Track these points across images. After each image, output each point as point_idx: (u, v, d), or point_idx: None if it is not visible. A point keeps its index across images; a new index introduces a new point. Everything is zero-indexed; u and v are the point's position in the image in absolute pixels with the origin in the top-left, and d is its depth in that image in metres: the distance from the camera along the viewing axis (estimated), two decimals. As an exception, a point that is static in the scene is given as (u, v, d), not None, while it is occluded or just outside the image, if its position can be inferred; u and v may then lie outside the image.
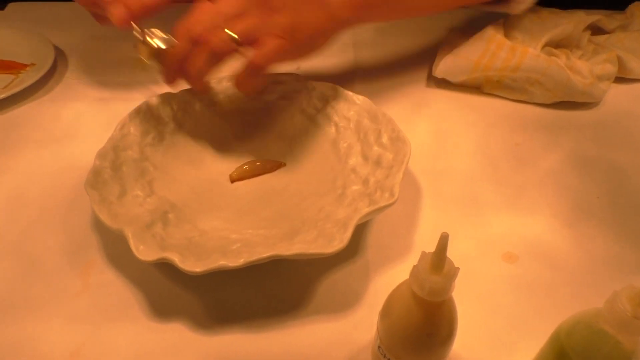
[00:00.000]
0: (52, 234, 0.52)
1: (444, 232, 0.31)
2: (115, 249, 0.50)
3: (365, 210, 0.45)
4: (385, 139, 0.54)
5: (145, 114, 0.56)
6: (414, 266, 0.33)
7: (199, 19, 0.50)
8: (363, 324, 0.44)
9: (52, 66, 0.71)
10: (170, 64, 0.53)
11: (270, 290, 0.47)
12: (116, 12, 0.53)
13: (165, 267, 0.43)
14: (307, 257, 0.42)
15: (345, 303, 0.46)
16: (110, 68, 0.74)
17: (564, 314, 0.44)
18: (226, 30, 0.49)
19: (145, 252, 0.42)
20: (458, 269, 0.32)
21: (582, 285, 0.47)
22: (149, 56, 0.55)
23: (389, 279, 0.48)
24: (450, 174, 0.58)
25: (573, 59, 0.65)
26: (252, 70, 0.52)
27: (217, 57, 0.50)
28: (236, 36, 0.49)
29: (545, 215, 0.54)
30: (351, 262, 0.49)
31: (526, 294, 0.47)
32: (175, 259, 0.41)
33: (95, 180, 0.49)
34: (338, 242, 0.42)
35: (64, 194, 0.56)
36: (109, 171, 0.50)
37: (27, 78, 0.68)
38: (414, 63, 0.75)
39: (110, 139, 0.53)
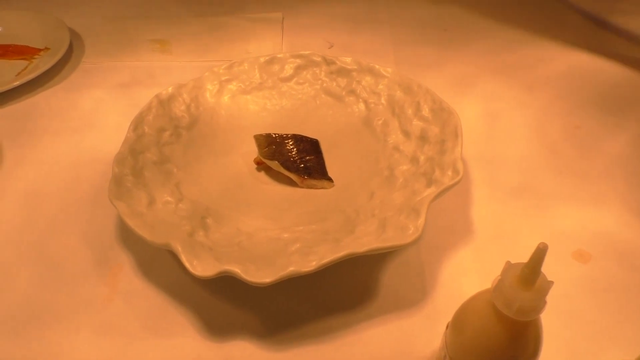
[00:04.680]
0: (74, 234, 0.47)
1: (541, 243, 0.26)
2: (143, 251, 0.46)
3: (432, 192, 0.41)
4: (426, 111, 0.50)
5: (158, 110, 0.51)
6: (498, 280, 0.28)
7: None
8: (423, 331, 0.40)
9: (67, 50, 0.66)
10: None
11: (314, 297, 0.42)
12: None
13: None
14: (381, 251, 0.38)
15: (401, 308, 0.41)
16: (128, 51, 0.69)
17: (652, 322, 0.39)
18: None
19: (201, 267, 0.37)
20: (551, 282, 0.27)
21: (667, 287, 0.42)
22: None
23: (447, 280, 0.43)
24: (505, 161, 0.53)
25: None
26: None
27: None
28: None
29: (616, 207, 0.48)
30: (403, 262, 0.44)
31: (604, 297, 0.42)
32: (238, 270, 0.37)
33: (119, 190, 0.44)
34: (413, 231, 0.38)
35: (85, 189, 0.51)
36: (131, 178, 0.45)
37: (42, 64, 0.64)
38: (456, 37, 0.70)
39: (125, 141, 0.48)
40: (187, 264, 0.37)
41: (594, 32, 0.68)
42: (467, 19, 0.73)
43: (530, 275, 0.27)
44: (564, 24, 0.72)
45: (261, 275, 0.36)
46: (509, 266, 0.28)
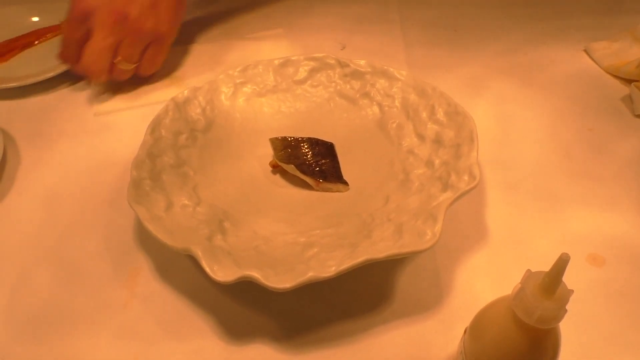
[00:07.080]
0: (93, 237, 0.48)
1: (564, 254, 0.26)
2: (161, 254, 0.46)
3: (448, 197, 0.41)
4: (440, 115, 0.50)
5: (174, 113, 0.52)
6: (519, 289, 0.28)
7: (93, 59, 0.58)
8: (439, 335, 0.40)
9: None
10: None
11: (329, 300, 0.43)
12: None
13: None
14: (399, 257, 0.38)
15: (417, 312, 0.42)
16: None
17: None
18: (120, 63, 0.59)
19: (221, 272, 0.37)
20: (571, 291, 0.28)
21: (682, 291, 0.43)
22: None
23: (462, 284, 0.43)
24: (518, 164, 0.53)
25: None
26: (145, 76, 0.63)
27: (122, 78, 0.61)
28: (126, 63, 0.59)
29: (630, 211, 0.48)
30: (418, 265, 0.45)
31: (619, 301, 0.42)
32: (259, 276, 0.37)
33: (137, 193, 0.44)
34: (431, 237, 0.39)
35: (103, 192, 0.52)
36: (149, 182, 0.45)
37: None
38: (467, 37, 0.70)
39: (143, 144, 0.48)
40: (207, 269, 0.38)
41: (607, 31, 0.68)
42: (478, 20, 0.73)
43: (551, 285, 0.27)
44: (576, 24, 0.72)
45: (281, 281, 0.37)
46: (529, 275, 0.28)
